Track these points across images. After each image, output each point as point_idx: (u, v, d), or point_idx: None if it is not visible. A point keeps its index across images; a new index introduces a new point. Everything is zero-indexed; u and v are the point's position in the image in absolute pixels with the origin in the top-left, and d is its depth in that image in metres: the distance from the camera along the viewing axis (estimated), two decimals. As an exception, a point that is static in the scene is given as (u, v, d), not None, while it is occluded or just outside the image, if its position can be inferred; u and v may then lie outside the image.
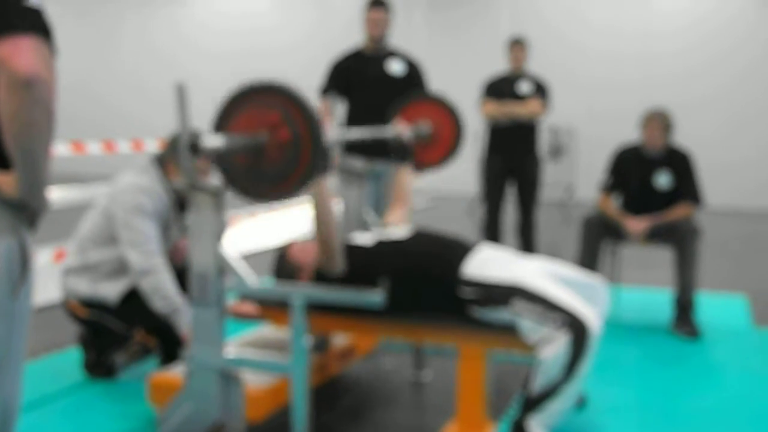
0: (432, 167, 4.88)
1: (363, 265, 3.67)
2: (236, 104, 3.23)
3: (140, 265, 3.97)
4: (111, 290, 4.15)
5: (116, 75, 17.83)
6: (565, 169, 13.60)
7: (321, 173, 3.25)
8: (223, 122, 3.23)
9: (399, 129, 4.51)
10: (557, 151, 13.34)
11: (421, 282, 3.59)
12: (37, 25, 1.94)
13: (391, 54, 5.92)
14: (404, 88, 5.88)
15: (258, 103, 3.18)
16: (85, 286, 4.19)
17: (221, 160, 3.22)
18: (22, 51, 1.89)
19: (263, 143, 3.13)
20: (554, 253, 7.29)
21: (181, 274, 4.03)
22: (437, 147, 4.75)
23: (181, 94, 3.01)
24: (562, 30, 14.08)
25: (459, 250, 3.68)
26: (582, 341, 3.25)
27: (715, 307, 6.17)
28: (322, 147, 3.10)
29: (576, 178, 13.61)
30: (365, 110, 5.83)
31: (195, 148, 2.90)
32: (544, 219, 8.13)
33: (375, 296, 3.11)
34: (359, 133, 4.11)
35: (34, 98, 1.90)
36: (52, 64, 1.97)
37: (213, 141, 2.99)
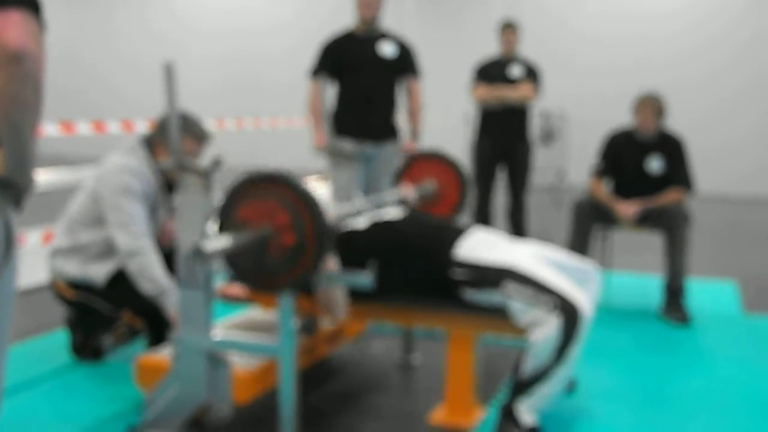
0: None
1: (356, 247, 3.65)
2: (235, 200, 3.17)
3: (127, 247, 3.94)
4: (99, 272, 4.12)
5: (110, 52, 17.76)
6: (557, 154, 13.59)
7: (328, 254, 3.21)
8: (225, 220, 3.18)
9: (404, 192, 4.48)
10: (548, 136, 13.33)
11: (413, 262, 3.57)
12: (26, 0, 1.91)
13: (383, 36, 5.88)
14: (396, 71, 5.86)
15: (256, 195, 3.13)
16: (72, 268, 4.17)
17: (229, 258, 3.18)
18: (11, 25, 1.86)
19: (267, 234, 3.09)
20: (545, 237, 7.29)
21: (169, 256, 4.00)
22: (443, 204, 4.72)
23: (170, 73, 2.98)
24: (553, 13, 14.04)
25: (452, 231, 3.67)
26: (573, 325, 3.24)
27: (705, 292, 6.18)
28: (326, 228, 3.06)
29: (567, 162, 13.60)
30: (357, 92, 5.81)
31: (199, 254, 2.86)
32: (535, 203, 8.14)
33: (364, 278, 3.09)
34: (362, 204, 4.08)
35: (23, 73, 1.87)
36: (41, 39, 1.94)
37: (219, 243, 2.94)
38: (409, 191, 4.49)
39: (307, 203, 3.04)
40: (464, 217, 4.83)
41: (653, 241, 6.49)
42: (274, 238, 3.06)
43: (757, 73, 13.08)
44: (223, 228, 3.16)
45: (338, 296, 3.54)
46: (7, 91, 1.88)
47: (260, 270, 3.13)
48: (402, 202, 4.41)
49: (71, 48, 17.28)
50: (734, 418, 3.84)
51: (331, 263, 3.43)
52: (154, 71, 12.57)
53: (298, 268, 3.07)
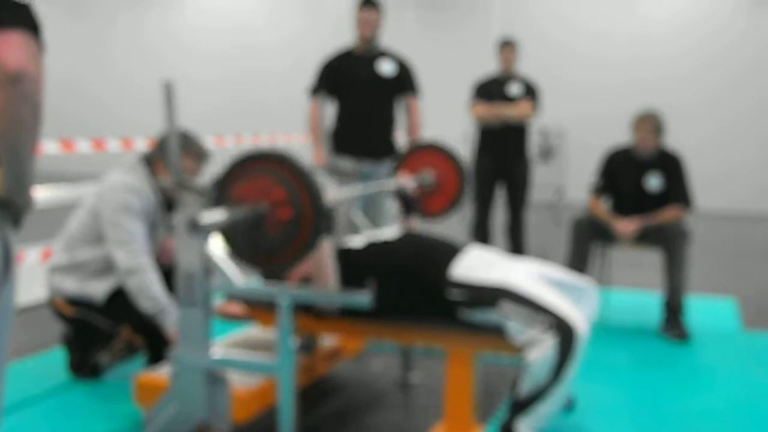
0: (437, 215, 4.85)
1: (353, 267, 3.65)
2: (231, 177, 3.19)
3: (126, 264, 3.94)
4: (97, 289, 4.12)
5: (106, 74, 17.76)
6: (555, 171, 13.60)
7: (326, 233, 3.21)
8: (221, 196, 3.19)
9: (402, 181, 4.49)
10: (547, 153, 13.34)
11: (409, 283, 3.58)
12: (25, 21, 1.92)
13: (382, 54, 5.90)
14: (395, 89, 5.87)
15: (252, 173, 3.14)
16: (71, 285, 4.17)
17: (225, 234, 3.19)
18: (10, 46, 1.87)
19: (264, 211, 3.10)
20: (543, 254, 7.29)
21: (168, 274, 4.00)
22: (441, 195, 4.74)
23: (169, 92, 2.99)
24: (552, 33, 14.06)
25: (448, 251, 3.67)
26: (569, 343, 3.24)
27: (705, 310, 6.17)
28: (323, 207, 3.07)
29: (566, 180, 13.61)
30: (355, 110, 5.82)
31: (194, 225, 2.87)
32: (533, 221, 8.14)
33: (362, 297, 3.09)
34: (362, 189, 4.09)
35: (22, 94, 1.88)
36: (41, 60, 1.95)
37: (214, 216, 2.95)
38: (407, 181, 4.49)
39: (303, 179, 3.05)
40: (463, 230, 4.82)
41: (652, 259, 6.48)
42: (271, 215, 3.07)
43: (756, 96, 13.09)
44: (218, 204, 3.16)
45: (328, 262, 3.54)
46: (6, 111, 1.88)
47: (257, 247, 3.13)
48: (400, 192, 4.42)
49: (67, 69, 17.28)
50: (732, 435, 3.84)
51: (326, 246, 3.43)
52: (151, 93, 12.58)
53: (296, 244, 3.07)
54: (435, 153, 4.77)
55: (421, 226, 4.52)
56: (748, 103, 13.15)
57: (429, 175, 4.69)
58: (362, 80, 5.81)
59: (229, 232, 3.16)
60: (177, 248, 3.14)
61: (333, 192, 3.68)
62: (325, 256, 3.52)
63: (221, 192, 3.17)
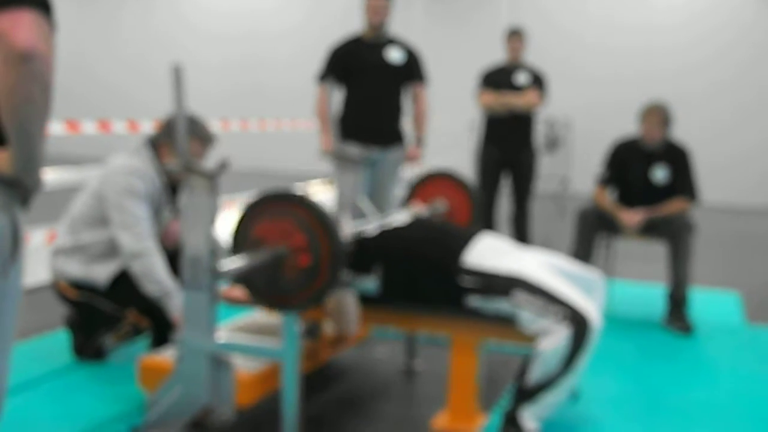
0: None
1: (364, 254, 3.65)
2: (251, 218, 3.21)
3: (131, 248, 3.94)
4: (101, 272, 4.12)
5: (116, 55, 17.78)
6: (561, 162, 13.59)
7: (342, 282, 3.22)
8: (240, 239, 3.22)
9: (415, 210, 4.49)
10: (553, 143, 13.33)
11: (421, 268, 3.57)
12: (36, 0, 1.91)
13: (391, 42, 5.89)
14: (403, 77, 5.86)
15: (273, 214, 3.16)
16: (75, 268, 4.16)
17: (243, 276, 3.20)
18: (21, 25, 1.86)
19: (282, 253, 3.11)
20: (548, 245, 7.28)
21: (173, 257, 4.00)
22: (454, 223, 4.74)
23: (178, 75, 2.98)
24: (560, 22, 14.06)
25: (460, 238, 3.67)
26: (583, 335, 3.24)
27: (708, 303, 6.17)
28: (342, 250, 3.08)
29: (571, 170, 13.59)
30: (363, 97, 5.81)
31: (216, 272, 2.89)
32: (538, 211, 8.13)
33: (368, 283, 3.09)
34: (375, 222, 4.12)
35: (32, 73, 1.87)
36: (51, 40, 1.94)
37: (234, 263, 2.97)
38: (420, 210, 4.50)
39: (324, 226, 3.07)
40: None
41: (657, 251, 6.48)
42: (289, 259, 3.08)
43: (763, 86, 13.07)
44: (237, 244, 3.18)
45: (351, 309, 3.55)
46: (16, 90, 1.87)
47: (274, 289, 3.15)
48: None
49: (77, 51, 17.27)
50: (736, 428, 3.84)
51: (350, 300, 3.46)
52: (160, 75, 12.57)
53: (312, 288, 3.09)
54: (447, 182, 4.77)
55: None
56: (754, 94, 13.12)
57: (441, 204, 4.69)
58: (371, 67, 5.79)
59: (246, 274, 3.17)
60: (183, 232, 3.14)
61: (350, 228, 3.69)
62: (346, 303, 3.54)
63: (240, 234, 3.20)
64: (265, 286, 3.17)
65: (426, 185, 4.81)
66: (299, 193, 3.13)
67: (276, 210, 3.15)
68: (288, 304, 3.15)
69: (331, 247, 3.05)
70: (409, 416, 3.88)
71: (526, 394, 3.33)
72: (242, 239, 3.19)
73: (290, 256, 3.10)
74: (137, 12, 17.60)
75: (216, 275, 3.07)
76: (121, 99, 17.37)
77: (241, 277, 3.18)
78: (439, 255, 3.60)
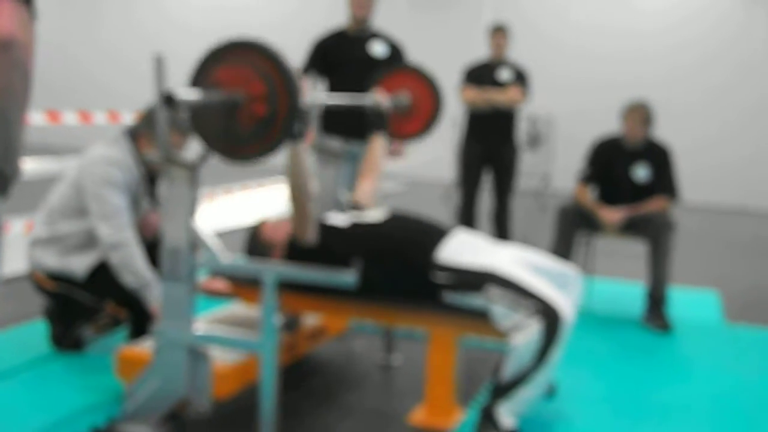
0: (410, 138, 4.85)
1: (337, 246, 3.64)
2: (213, 60, 3.17)
3: (110, 238, 3.92)
4: (79, 264, 4.11)
5: (97, 47, 17.67)
6: (542, 159, 13.60)
7: (298, 134, 3.20)
8: (200, 78, 3.18)
9: (377, 98, 4.47)
10: (535, 140, 13.34)
11: (394, 265, 3.57)
12: None
13: (374, 36, 5.88)
14: (386, 71, 5.85)
15: (235, 61, 3.13)
16: (52, 259, 4.14)
17: (196, 117, 3.17)
18: (1, 14, 1.85)
19: (239, 101, 3.08)
20: (528, 241, 7.29)
21: (151, 248, 3.99)
22: (416, 119, 4.73)
23: (159, 66, 2.97)
24: (542, 23, 14.02)
25: (434, 234, 3.66)
26: (554, 329, 3.24)
27: (687, 301, 6.19)
28: (299, 106, 3.07)
29: (552, 167, 13.61)
30: (346, 91, 5.79)
31: (170, 100, 2.86)
32: (519, 207, 8.14)
33: (348, 276, 3.09)
34: (337, 100, 4.05)
35: (11, 61, 1.87)
36: (31, 28, 1.93)
37: (188, 94, 2.94)
38: (382, 98, 4.48)
39: (284, 77, 3.04)
40: (449, 214, 4.81)
41: (636, 249, 6.50)
42: (246, 106, 3.07)
43: (751, 93, 13.07)
44: (196, 84, 3.16)
45: (311, 211, 3.53)
46: (-5, 78, 1.87)
47: (226, 135, 3.13)
48: (374, 109, 4.41)
49: (57, 42, 17.17)
50: (713, 427, 3.86)
51: (302, 147, 3.42)
52: (141, 68, 12.50)
53: (265, 140, 3.08)
54: (412, 76, 4.77)
55: (406, 209, 4.52)
56: (744, 100, 13.15)
57: (405, 97, 4.68)
58: (354, 61, 5.78)
59: (200, 114, 3.14)
60: (163, 223, 3.13)
61: (311, 94, 3.66)
62: (304, 205, 3.52)
63: (200, 73, 3.17)
64: (218, 132, 3.15)
65: (391, 77, 4.81)
66: (266, 44, 3.12)
67: (239, 57, 3.13)
68: (240, 153, 3.13)
69: (289, 101, 3.03)
70: (387, 410, 3.89)
71: (501, 389, 3.33)
72: (201, 80, 3.16)
73: (247, 103, 3.08)
74: (119, 6, 17.48)
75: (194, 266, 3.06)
76: (102, 92, 17.24)
77: (194, 119, 3.15)
78: (412, 251, 3.59)
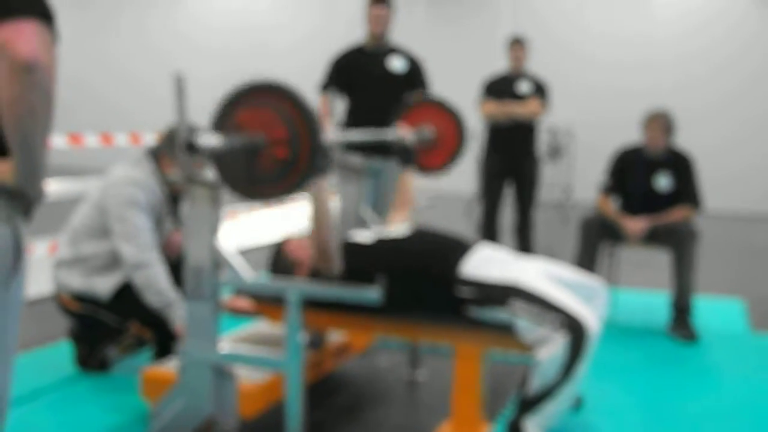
0: (435, 171, 4.84)
1: (361, 263, 3.64)
2: (234, 103, 3.18)
3: (134, 259, 3.93)
4: (104, 285, 4.12)
5: (111, 69, 17.73)
6: (563, 170, 13.57)
7: (319, 174, 3.21)
8: (221, 121, 3.19)
9: (402, 132, 4.47)
10: (556, 152, 13.31)
11: (418, 280, 3.55)
12: (38, 10, 1.91)
13: (393, 51, 5.89)
14: (405, 86, 5.85)
15: (256, 103, 3.13)
16: (76, 280, 4.16)
17: (218, 159, 3.17)
18: (24, 35, 1.86)
19: (261, 143, 3.09)
20: (552, 253, 7.27)
21: (175, 268, 4.00)
22: (440, 151, 4.73)
23: (180, 86, 2.98)
24: (561, 32, 14.01)
25: (458, 249, 3.65)
26: (580, 343, 3.22)
27: (713, 311, 6.15)
28: (321, 148, 3.07)
29: (574, 179, 13.57)
30: (366, 108, 5.80)
31: (191, 146, 2.86)
32: (541, 220, 8.12)
33: (372, 293, 3.08)
34: (360, 135, 4.05)
35: (34, 83, 1.87)
36: (54, 50, 1.94)
37: (210, 140, 2.95)
38: (406, 132, 4.48)
39: (306, 120, 3.04)
40: (471, 228, 4.79)
41: (660, 259, 6.47)
42: (267, 149, 3.06)
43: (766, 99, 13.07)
44: (218, 129, 3.16)
45: (333, 246, 3.53)
46: (19, 101, 1.87)
47: (247, 177, 3.13)
48: (398, 144, 4.40)
49: (72, 64, 17.30)
50: (741, 437, 3.83)
51: (323, 185, 3.42)
52: (155, 89, 12.56)
53: (286, 182, 3.07)
54: (436, 109, 4.77)
55: (427, 222, 4.50)
56: (760, 105, 13.10)
57: (429, 130, 4.68)
58: (373, 77, 5.79)
59: (227, 169, 3.15)
60: (186, 242, 3.14)
61: (332, 133, 3.67)
62: (326, 240, 3.52)
63: (221, 116, 3.17)
64: (239, 172, 3.14)
65: (414, 111, 4.81)
66: (288, 86, 3.12)
67: (261, 99, 3.12)
68: (262, 194, 3.14)
69: (310, 142, 3.02)
70: (413, 426, 3.87)
71: (528, 404, 3.31)
72: (223, 123, 3.17)
73: (268, 146, 3.08)
74: (133, 26, 17.50)
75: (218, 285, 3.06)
76: (116, 113, 17.24)
77: (217, 160, 3.16)
78: (436, 266, 3.58)
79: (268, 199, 3.14)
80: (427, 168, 4.82)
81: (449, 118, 4.72)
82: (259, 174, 3.11)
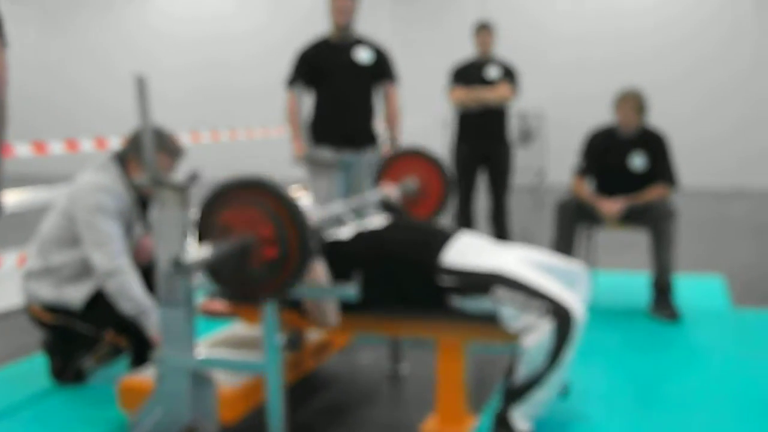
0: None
1: (341, 259, 3.57)
2: (217, 204, 3.07)
3: (105, 267, 3.85)
4: (75, 294, 4.03)
5: (83, 60, 17.58)
6: (536, 154, 13.57)
7: (311, 254, 3.10)
8: (204, 226, 3.08)
9: (386, 191, 4.40)
10: (527, 136, 13.31)
11: (400, 270, 3.49)
12: None
13: (359, 42, 5.82)
14: (373, 77, 5.80)
15: (239, 201, 3.03)
16: (47, 291, 4.06)
17: (208, 267, 3.08)
18: None
19: (249, 243, 2.99)
20: (528, 238, 7.26)
21: (147, 273, 3.92)
22: (427, 201, 4.65)
23: (142, 86, 2.90)
24: (527, 13, 14.03)
25: (438, 237, 3.59)
26: (566, 328, 3.17)
27: (693, 288, 6.14)
28: (311, 237, 2.97)
29: (546, 162, 13.59)
30: (334, 100, 5.74)
31: (179, 265, 2.77)
32: (516, 205, 8.08)
33: (349, 289, 3.02)
34: (341, 207, 3.96)
35: None
36: (3, 56, 1.86)
37: (197, 255, 2.85)
38: (391, 190, 4.41)
39: (291, 214, 2.95)
40: (447, 217, 4.75)
41: (638, 239, 6.45)
42: (257, 248, 2.98)
43: (736, 67, 13.10)
44: (203, 233, 3.07)
45: (328, 302, 3.46)
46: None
47: (241, 279, 3.04)
48: (384, 202, 4.34)
49: (43, 57, 17.16)
50: (728, 415, 3.80)
51: (320, 271, 3.35)
52: (127, 80, 12.45)
53: (280, 279, 2.99)
54: (416, 159, 4.69)
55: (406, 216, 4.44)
56: (725, 76, 13.17)
57: (412, 182, 4.61)
58: (339, 68, 5.72)
59: (212, 264, 3.05)
60: (156, 246, 3.06)
61: (318, 214, 3.59)
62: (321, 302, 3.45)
63: (205, 219, 3.07)
64: (231, 276, 3.06)
65: (396, 163, 4.73)
66: (267, 180, 3.02)
67: (240, 197, 3.03)
68: (255, 294, 3.06)
69: (299, 236, 2.94)
70: (398, 422, 3.82)
71: (515, 393, 3.26)
72: (207, 229, 3.08)
73: (257, 244, 2.99)
74: (104, 18, 17.38)
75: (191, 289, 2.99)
76: (89, 105, 17.15)
77: (208, 268, 3.07)
78: (416, 255, 3.52)
79: (264, 300, 3.05)
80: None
81: (431, 166, 4.65)
82: (251, 274, 3.02)
